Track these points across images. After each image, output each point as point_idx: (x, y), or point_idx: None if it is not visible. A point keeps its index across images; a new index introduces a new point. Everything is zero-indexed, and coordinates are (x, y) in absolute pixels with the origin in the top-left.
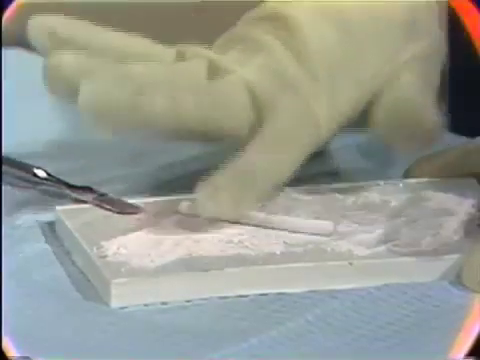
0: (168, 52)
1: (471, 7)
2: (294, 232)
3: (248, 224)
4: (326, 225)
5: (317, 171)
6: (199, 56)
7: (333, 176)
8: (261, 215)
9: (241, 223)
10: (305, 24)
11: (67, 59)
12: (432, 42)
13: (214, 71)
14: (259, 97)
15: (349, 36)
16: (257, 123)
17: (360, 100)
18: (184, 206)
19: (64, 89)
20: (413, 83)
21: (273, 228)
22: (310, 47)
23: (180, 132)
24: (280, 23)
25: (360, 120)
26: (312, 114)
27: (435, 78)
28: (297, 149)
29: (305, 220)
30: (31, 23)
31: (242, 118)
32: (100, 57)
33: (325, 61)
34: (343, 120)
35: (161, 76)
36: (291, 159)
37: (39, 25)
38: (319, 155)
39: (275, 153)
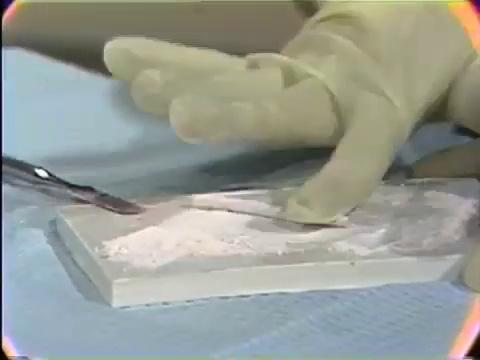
0: (240, 62)
1: (471, 7)
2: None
3: (256, 214)
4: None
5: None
6: (272, 62)
7: None
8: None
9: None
10: (374, 20)
11: (153, 77)
12: None
13: (290, 76)
14: (339, 99)
15: (421, 29)
16: (339, 126)
17: (437, 93)
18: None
19: (155, 107)
20: None
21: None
22: (383, 43)
23: (268, 139)
24: (348, 21)
25: (437, 113)
26: (394, 112)
27: None
28: (383, 150)
29: None
30: (107, 48)
31: (326, 121)
32: (179, 73)
33: (399, 56)
34: (422, 115)
35: (243, 84)
36: (379, 161)
37: (116, 49)
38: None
39: (362, 157)
